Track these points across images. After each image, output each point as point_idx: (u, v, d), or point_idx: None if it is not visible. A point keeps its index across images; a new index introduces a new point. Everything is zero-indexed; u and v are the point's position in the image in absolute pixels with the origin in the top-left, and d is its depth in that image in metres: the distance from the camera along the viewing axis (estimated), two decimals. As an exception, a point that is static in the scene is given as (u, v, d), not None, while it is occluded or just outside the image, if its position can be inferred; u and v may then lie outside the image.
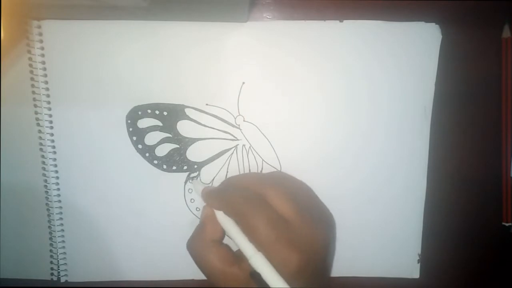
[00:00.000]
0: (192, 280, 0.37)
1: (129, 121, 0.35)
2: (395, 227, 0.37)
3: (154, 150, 0.36)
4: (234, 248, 0.32)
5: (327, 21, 0.34)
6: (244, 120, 0.36)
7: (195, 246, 0.31)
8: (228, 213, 0.31)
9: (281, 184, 0.32)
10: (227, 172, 0.36)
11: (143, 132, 0.35)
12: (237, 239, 0.30)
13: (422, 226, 0.37)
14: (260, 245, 0.28)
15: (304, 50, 0.35)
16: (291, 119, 0.36)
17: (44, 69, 0.34)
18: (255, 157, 0.36)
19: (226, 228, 0.31)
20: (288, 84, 0.35)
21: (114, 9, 0.31)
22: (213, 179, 0.36)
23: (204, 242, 0.31)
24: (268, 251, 0.28)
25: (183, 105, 0.35)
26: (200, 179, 0.36)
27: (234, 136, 0.36)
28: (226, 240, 0.32)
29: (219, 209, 0.31)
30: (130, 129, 0.35)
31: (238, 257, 0.30)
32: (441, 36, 0.35)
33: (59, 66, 0.34)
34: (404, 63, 0.35)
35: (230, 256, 0.30)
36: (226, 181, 0.34)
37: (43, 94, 0.34)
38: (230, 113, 0.35)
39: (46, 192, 0.36)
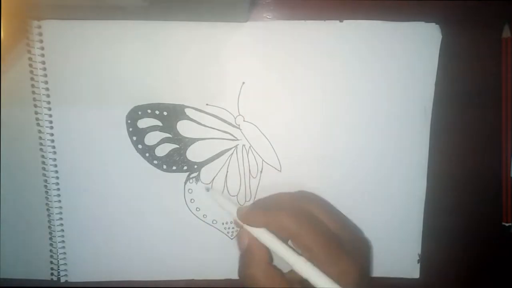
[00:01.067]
0: (192, 280, 0.37)
1: (129, 121, 0.35)
2: (395, 227, 0.37)
3: (154, 150, 0.36)
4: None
5: (327, 21, 0.34)
6: (244, 120, 0.36)
7: (252, 275, 0.30)
8: (276, 232, 0.30)
9: (317, 200, 0.33)
10: (227, 172, 0.36)
11: (143, 132, 0.35)
12: (280, 251, 0.30)
13: (422, 226, 0.37)
14: (320, 263, 0.28)
15: (304, 50, 0.35)
16: (291, 119, 0.36)
17: (44, 69, 0.34)
18: (255, 157, 0.36)
19: (269, 244, 0.30)
20: (288, 84, 0.35)
21: (114, 9, 0.31)
22: (213, 179, 0.36)
23: (260, 267, 0.30)
24: (328, 266, 0.28)
25: (183, 105, 0.35)
26: (201, 180, 0.36)
27: (234, 136, 0.36)
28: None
29: (262, 227, 0.30)
30: (130, 129, 0.35)
31: (291, 277, 0.30)
32: (441, 36, 0.35)
33: (59, 66, 0.34)
34: (404, 63, 0.35)
35: (285, 277, 0.30)
36: (258, 202, 0.34)
37: (43, 94, 0.34)
38: (230, 113, 0.35)
39: (46, 192, 0.36)
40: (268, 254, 0.31)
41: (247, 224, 0.31)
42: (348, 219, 0.36)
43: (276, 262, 0.31)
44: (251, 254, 0.31)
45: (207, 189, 0.36)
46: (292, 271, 0.30)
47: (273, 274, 0.30)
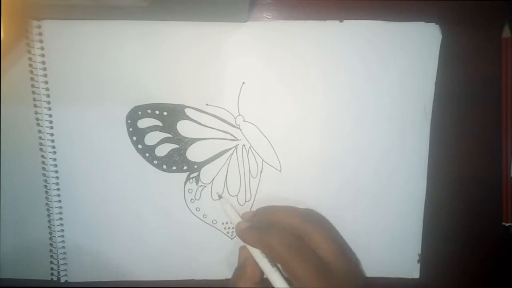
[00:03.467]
0: (192, 280, 0.37)
1: (129, 121, 0.35)
2: (395, 227, 0.37)
3: (154, 150, 0.36)
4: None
5: (327, 21, 0.34)
6: (244, 120, 0.36)
7: None
8: (267, 255, 0.32)
9: (318, 223, 0.33)
10: (227, 172, 0.36)
11: (143, 132, 0.35)
12: (268, 273, 0.31)
13: (422, 226, 0.37)
14: None
15: (304, 50, 0.35)
16: (291, 119, 0.36)
17: (44, 69, 0.34)
18: (255, 157, 0.36)
19: (260, 263, 0.32)
20: (288, 84, 0.35)
21: (114, 9, 0.31)
22: (213, 179, 0.36)
23: (247, 284, 0.32)
24: None
25: (183, 105, 0.35)
26: (201, 180, 0.36)
27: (234, 136, 0.36)
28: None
29: (257, 248, 0.32)
30: (130, 129, 0.35)
31: None
32: (441, 36, 0.35)
33: (59, 66, 0.34)
34: (404, 63, 0.35)
35: None
36: (262, 215, 0.34)
37: (43, 94, 0.34)
38: (230, 113, 0.35)
39: (46, 192, 0.36)
40: (260, 274, 0.32)
41: (243, 241, 0.33)
42: (347, 247, 0.35)
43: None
44: (244, 270, 0.32)
45: (219, 197, 0.36)
46: None
47: None
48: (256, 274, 0.32)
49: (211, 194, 0.36)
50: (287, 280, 0.31)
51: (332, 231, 0.35)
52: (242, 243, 0.33)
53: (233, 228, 0.36)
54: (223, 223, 0.37)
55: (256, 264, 0.32)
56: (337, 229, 0.36)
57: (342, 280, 0.30)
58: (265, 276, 0.32)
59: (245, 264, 0.33)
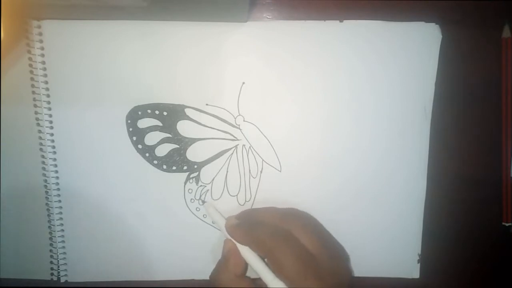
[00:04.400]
0: (192, 280, 0.37)
1: (129, 121, 0.35)
2: (395, 227, 0.37)
3: (154, 150, 0.36)
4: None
5: (327, 21, 0.34)
6: (244, 120, 0.36)
7: (219, 281, 0.32)
8: (255, 249, 0.31)
9: (302, 219, 0.34)
10: (227, 172, 0.36)
11: (143, 132, 0.35)
12: (260, 270, 0.31)
13: (422, 226, 0.37)
14: (290, 280, 0.29)
15: (304, 50, 0.35)
16: (291, 119, 0.36)
17: (44, 69, 0.34)
18: (255, 157, 0.36)
19: (251, 262, 0.31)
20: (288, 84, 0.35)
21: (114, 9, 0.31)
22: (213, 179, 0.36)
23: (228, 277, 0.32)
24: (297, 284, 0.29)
25: (183, 105, 0.35)
26: (201, 180, 0.36)
27: (234, 136, 0.36)
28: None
29: (246, 245, 0.32)
30: (130, 129, 0.35)
31: (261, 284, 0.31)
32: (441, 36, 0.35)
33: (59, 66, 0.34)
34: (404, 63, 0.35)
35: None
36: (247, 215, 0.35)
37: (43, 94, 0.34)
38: (230, 113, 0.35)
39: (46, 192, 0.36)
40: (243, 267, 0.32)
41: (232, 238, 0.32)
42: (332, 244, 0.35)
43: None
44: (227, 263, 0.32)
45: (203, 202, 0.36)
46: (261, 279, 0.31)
47: (241, 286, 0.31)
48: (238, 267, 0.32)
49: (211, 194, 0.36)
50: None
51: (315, 227, 0.35)
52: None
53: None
54: (223, 223, 0.37)
55: (240, 258, 0.32)
56: (337, 229, 0.36)
57: (326, 274, 0.30)
58: (254, 276, 0.32)
59: (228, 256, 0.32)
